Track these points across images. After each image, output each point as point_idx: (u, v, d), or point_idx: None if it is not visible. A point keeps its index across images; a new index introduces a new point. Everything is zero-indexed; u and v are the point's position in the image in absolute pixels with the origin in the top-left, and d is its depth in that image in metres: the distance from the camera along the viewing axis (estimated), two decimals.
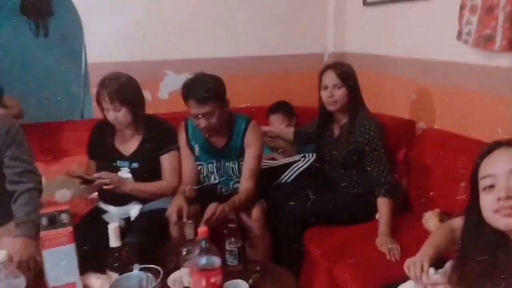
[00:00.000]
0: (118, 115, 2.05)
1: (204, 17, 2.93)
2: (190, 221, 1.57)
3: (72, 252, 1.43)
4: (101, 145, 2.19)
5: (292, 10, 3.09)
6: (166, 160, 2.18)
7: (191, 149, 2.23)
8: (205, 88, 2.04)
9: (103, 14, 2.72)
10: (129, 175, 2.13)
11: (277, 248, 2.19)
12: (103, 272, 1.54)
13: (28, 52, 3.82)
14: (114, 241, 1.45)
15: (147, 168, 2.14)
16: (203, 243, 1.34)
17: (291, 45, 3.12)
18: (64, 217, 1.50)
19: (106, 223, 1.66)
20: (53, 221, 1.48)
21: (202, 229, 1.33)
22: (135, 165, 2.14)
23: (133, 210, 2.14)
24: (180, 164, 2.22)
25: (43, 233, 1.41)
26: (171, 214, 1.99)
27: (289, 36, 3.10)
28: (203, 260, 1.33)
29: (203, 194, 2.22)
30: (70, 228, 1.43)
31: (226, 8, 2.97)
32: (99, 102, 2.08)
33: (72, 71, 3.82)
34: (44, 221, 1.48)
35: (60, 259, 1.41)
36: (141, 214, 2.13)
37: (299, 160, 2.53)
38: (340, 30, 3.18)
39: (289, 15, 3.08)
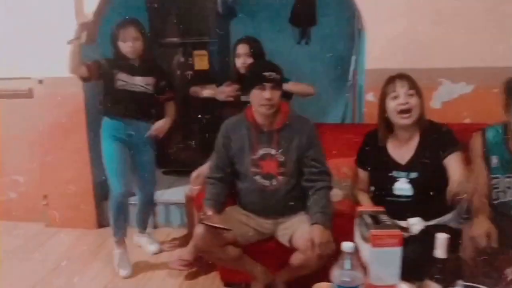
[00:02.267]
0: (413, 104, 2.02)
1: (490, 23, 2.68)
2: None
3: (398, 255, 1.41)
4: (373, 153, 2.15)
5: None
6: (453, 160, 1.98)
7: (486, 160, 2.05)
8: None
9: (386, 21, 2.74)
10: (408, 186, 2.04)
11: None
12: None
13: (289, 57, 4.09)
14: (441, 252, 1.39)
15: (428, 177, 2.02)
16: None
17: None
18: (385, 218, 1.52)
19: None
20: (376, 221, 1.51)
21: None
22: (413, 174, 2.03)
23: (416, 225, 1.99)
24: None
25: (372, 231, 1.43)
26: (480, 238, 1.78)
27: None
28: None
29: (496, 212, 1.99)
30: (399, 231, 1.42)
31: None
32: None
33: (331, 75, 3.98)
34: (367, 219, 1.51)
35: (386, 260, 1.41)
36: (425, 230, 1.97)
37: None
38: None
39: None
